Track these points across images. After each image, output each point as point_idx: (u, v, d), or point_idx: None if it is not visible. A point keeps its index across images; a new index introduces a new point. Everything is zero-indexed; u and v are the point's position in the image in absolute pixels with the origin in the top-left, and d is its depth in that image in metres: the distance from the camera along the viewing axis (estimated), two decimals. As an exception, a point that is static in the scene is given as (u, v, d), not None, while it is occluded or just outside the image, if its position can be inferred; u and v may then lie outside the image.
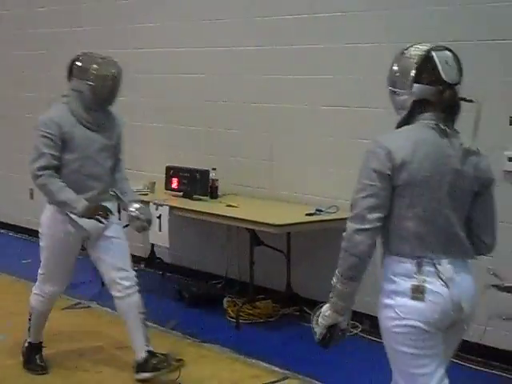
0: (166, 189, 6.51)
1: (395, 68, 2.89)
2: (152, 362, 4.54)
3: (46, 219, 4.65)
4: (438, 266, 2.76)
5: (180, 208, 6.10)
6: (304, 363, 5.04)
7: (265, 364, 4.95)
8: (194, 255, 7.07)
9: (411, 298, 2.74)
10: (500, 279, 3.19)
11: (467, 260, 2.88)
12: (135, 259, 7.42)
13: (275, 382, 4.68)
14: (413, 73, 2.81)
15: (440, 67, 2.79)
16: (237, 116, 6.56)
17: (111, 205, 4.68)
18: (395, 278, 2.78)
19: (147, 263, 7.38)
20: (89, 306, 6.23)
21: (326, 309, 2.84)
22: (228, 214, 5.76)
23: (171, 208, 6.05)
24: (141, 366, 4.57)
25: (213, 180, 6.33)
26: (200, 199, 6.28)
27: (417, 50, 2.84)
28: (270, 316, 5.96)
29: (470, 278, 2.86)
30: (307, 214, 5.66)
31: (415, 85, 2.80)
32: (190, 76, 6.83)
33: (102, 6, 7.86)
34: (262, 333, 5.68)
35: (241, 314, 5.81)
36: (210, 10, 6.78)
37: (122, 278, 4.58)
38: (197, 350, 5.20)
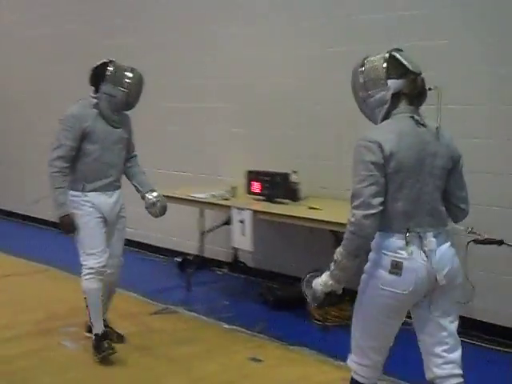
0: (248, 193, 6.54)
1: (360, 76, 3.31)
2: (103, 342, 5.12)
3: (77, 204, 5.13)
4: (423, 240, 3.18)
5: (262, 212, 6.11)
6: (392, 364, 4.97)
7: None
8: (277, 258, 7.09)
9: (389, 272, 3.16)
10: (478, 234, 3.52)
11: (445, 230, 3.28)
12: (219, 264, 7.56)
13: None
14: (384, 71, 3.23)
15: (405, 62, 3.23)
16: (319, 118, 6.55)
17: (121, 193, 5.42)
18: (381, 252, 3.20)
19: (231, 267, 7.44)
20: (176, 311, 6.30)
21: (326, 279, 3.25)
22: (311, 217, 5.75)
23: (254, 212, 6.08)
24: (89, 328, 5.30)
25: (294, 183, 6.34)
26: (282, 202, 6.29)
27: (377, 57, 3.29)
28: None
29: (449, 246, 3.26)
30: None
31: (389, 81, 3.23)
32: (268, 80, 6.87)
33: (177, 12, 7.97)
34: (349, 335, 5.64)
35: (327, 316, 5.80)
36: (293, 14, 6.81)
37: (113, 265, 5.30)
38: (284, 353, 5.22)
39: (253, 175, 6.54)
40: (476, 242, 3.59)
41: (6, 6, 10.73)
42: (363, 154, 3.15)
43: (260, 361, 4.98)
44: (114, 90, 5.14)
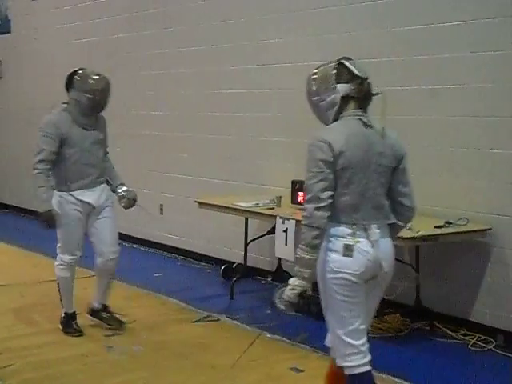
0: (292, 203, 6.53)
1: (313, 83, 3.62)
2: (102, 315, 5.96)
3: (55, 203, 5.60)
4: (368, 231, 3.47)
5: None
6: (436, 378, 4.97)
7: (395, 379, 4.89)
8: (321, 269, 7.07)
9: (342, 254, 3.43)
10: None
11: (388, 224, 3.58)
12: (262, 273, 7.57)
13: (407, 397, 4.63)
14: (333, 77, 3.54)
15: (352, 68, 3.54)
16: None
17: (105, 187, 5.84)
18: (332, 239, 3.47)
19: (274, 276, 7.43)
20: (218, 319, 6.32)
21: (293, 281, 3.43)
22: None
23: (297, 222, 6.07)
24: (94, 312, 5.99)
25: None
26: (326, 213, 6.27)
27: (328, 65, 3.61)
28: (399, 330, 5.89)
29: (389, 239, 3.58)
30: (436, 227, 5.58)
31: (338, 85, 3.53)
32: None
33: (224, 25, 8.02)
34: (391, 347, 5.62)
35: (369, 328, 5.76)
36: (336, 23, 6.82)
37: (111, 251, 5.78)
38: (325, 364, 5.11)
39: (298, 185, 6.54)
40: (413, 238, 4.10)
41: (60, 15, 10.90)
42: (314, 153, 3.46)
43: (301, 371, 4.98)
44: (80, 96, 5.60)
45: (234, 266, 7.67)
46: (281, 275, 7.28)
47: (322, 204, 3.41)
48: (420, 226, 5.60)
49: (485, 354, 5.55)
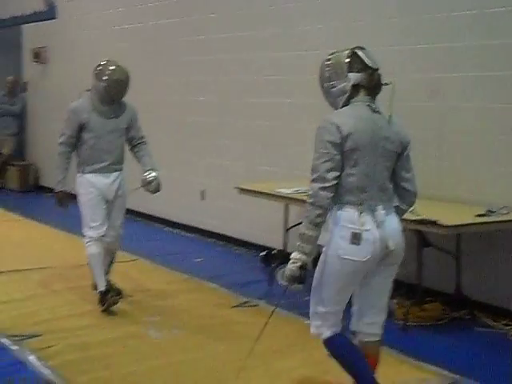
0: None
1: (326, 69, 3.76)
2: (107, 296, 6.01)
3: (78, 183, 6.07)
4: (374, 212, 3.61)
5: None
6: (475, 368, 4.94)
7: (434, 367, 4.87)
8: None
9: (350, 242, 3.56)
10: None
11: (392, 205, 3.73)
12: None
13: (446, 386, 4.61)
14: (346, 66, 3.68)
15: (365, 59, 3.68)
16: (403, 117, 6.47)
17: (120, 175, 6.13)
18: (340, 224, 3.61)
19: (314, 263, 7.38)
20: (257, 305, 6.35)
21: (295, 255, 3.61)
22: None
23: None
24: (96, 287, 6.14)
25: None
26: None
27: (342, 53, 3.74)
28: (438, 319, 5.86)
29: (396, 219, 3.73)
30: (478, 215, 5.53)
31: (349, 74, 3.67)
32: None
33: (265, 11, 8.01)
34: (430, 336, 5.60)
35: (409, 316, 5.76)
36: (368, 10, 6.78)
37: (110, 235, 6.11)
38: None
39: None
40: (414, 221, 4.21)
41: (104, 1, 10.99)
42: (323, 134, 3.63)
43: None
44: (98, 85, 5.98)
45: (273, 252, 7.69)
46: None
47: (327, 184, 3.57)
48: (460, 215, 5.59)
49: (525, 344, 5.51)
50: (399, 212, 3.82)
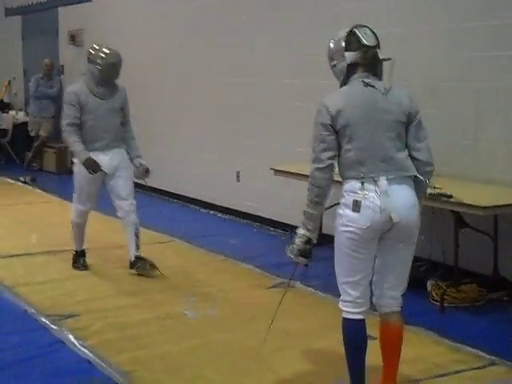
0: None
1: (331, 46, 3.89)
2: (137, 265, 6.55)
3: (76, 161, 6.47)
4: (377, 182, 3.64)
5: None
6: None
7: (471, 349, 4.85)
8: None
9: (352, 210, 3.66)
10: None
11: (405, 176, 3.72)
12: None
13: (481, 367, 4.58)
14: (343, 44, 3.80)
15: (361, 36, 3.77)
16: (440, 96, 6.43)
17: (120, 151, 6.54)
18: (345, 194, 3.72)
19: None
20: (293, 286, 6.35)
21: (300, 231, 3.81)
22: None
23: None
24: (131, 264, 6.59)
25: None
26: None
27: (343, 31, 3.84)
28: (475, 300, 5.82)
29: (406, 189, 3.71)
30: (515, 196, 5.49)
31: (346, 53, 3.78)
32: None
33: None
34: (467, 317, 5.57)
35: (445, 297, 5.73)
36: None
37: (126, 204, 6.53)
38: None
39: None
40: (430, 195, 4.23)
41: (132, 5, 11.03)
42: (316, 117, 3.75)
43: (375, 338, 4.96)
44: (92, 68, 6.38)
45: (309, 233, 7.67)
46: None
47: (322, 165, 3.71)
48: (498, 196, 5.54)
49: None
50: (418, 183, 3.80)
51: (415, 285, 5.96)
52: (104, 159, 6.39)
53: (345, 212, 3.72)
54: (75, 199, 6.64)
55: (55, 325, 5.29)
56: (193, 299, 5.91)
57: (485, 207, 5.25)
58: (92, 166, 6.28)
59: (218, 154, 9.48)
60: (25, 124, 13.35)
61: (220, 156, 9.44)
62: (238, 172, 9.13)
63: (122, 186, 6.53)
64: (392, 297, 3.90)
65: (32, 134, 12.60)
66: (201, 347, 4.94)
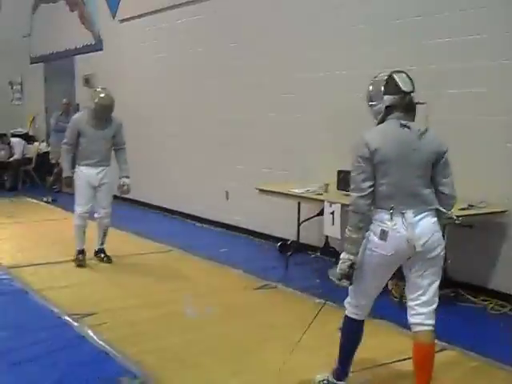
0: (338, 189, 6.52)
1: (371, 88, 3.71)
2: (100, 255, 7.27)
3: (75, 173, 7.04)
4: (404, 215, 3.50)
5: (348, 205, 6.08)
6: (459, 337, 4.94)
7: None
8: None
9: (379, 238, 3.53)
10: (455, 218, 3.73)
11: (429, 209, 3.57)
12: (313, 248, 7.57)
13: (435, 352, 4.60)
14: (382, 88, 3.63)
15: (399, 83, 3.61)
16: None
17: (106, 169, 7.03)
18: (374, 222, 3.57)
19: (322, 251, 7.45)
20: (275, 287, 6.36)
21: (344, 255, 3.58)
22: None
23: (342, 205, 6.07)
24: (95, 252, 7.32)
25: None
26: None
27: (382, 75, 3.67)
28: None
29: (430, 221, 3.56)
30: (460, 209, 5.52)
31: (385, 96, 3.62)
32: (351, 94, 6.87)
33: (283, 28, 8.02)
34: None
35: (403, 294, 5.73)
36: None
37: (104, 212, 7.09)
38: (366, 324, 5.02)
39: (342, 174, 6.51)
40: (451, 224, 4.00)
41: (145, 36, 11.03)
42: (356, 150, 3.58)
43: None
44: (91, 105, 6.89)
45: (288, 242, 7.70)
46: (328, 250, 7.30)
47: (364, 193, 3.52)
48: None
49: (501, 317, 5.51)
50: (440, 214, 3.64)
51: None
52: (93, 173, 6.97)
53: (373, 238, 3.58)
54: (76, 204, 7.08)
55: (76, 322, 5.26)
56: (191, 299, 5.89)
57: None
58: (67, 183, 7.09)
59: (210, 176, 9.49)
60: (46, 153, 13.37)
61: (212, 178, 9.44)
62: (227, 191, 9.14)
63: (104, 197, 7.05)
64: (423, 313, 3.70)
65: (53, 161, 12.63)
66: (199, 340, 4.93)
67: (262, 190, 7.25)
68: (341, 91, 7.08)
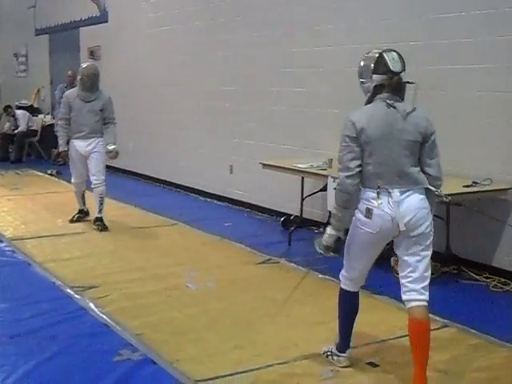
0: (342, 165, 6.48)
1: (362, 64, 3.71)
2: (97, 223, 7.47)
3: (69, 145, 7.41)
4: (391, 193, 3.54)
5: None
6: (462, 314, 4.92)
7: (427, 314, 4.85)
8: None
9: (364, 216, 3.59)
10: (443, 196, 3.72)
11: (417, 188, 3.58)
12: (315, 223, 7.55)
13: (436, 329, 4.57)
14: (372, 67, 3.63)
15: (388, 62, 3.60)
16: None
17: (95, 140, 7.35)
18: (361, 201, 3.63)
19: (325, 226, 7.33)
20: (278, 262, 6.35)
21: (330, 230, 3.70)
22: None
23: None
24: (94, 221, 7.52)
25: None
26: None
27: (374, 53, 3.67)
28: (431, 273, 5.81)
29: (417, 198, 3.57)
30: (464, 186, 5.49)
31: (374, 75, 3.63)
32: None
33: (285, 10, 7.93)
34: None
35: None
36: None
37: (94, 179, 7.40)
38: (369, 300, 5.16)
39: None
40: (440, 202, 4.03)
41: (149, 8, 10.94)
42: (343, 130, 3.62)
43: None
44: (79, 77, 7.35)
45: (291, 217, 7.67)
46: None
47: (351, 173, 3.56)
48: (450, 186, 5.52)
49: (503, 294, 5.48)
50: (429, 194, 3.65)
51: (380, 261, 5.98)
52: (82, 145, 7.33)
53: (359, 216, 3.64)
54: (72, 175, 7.61)
55: (78, 295, 5.27)
56: (194, 274, 5.88)
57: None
58: (63, 157, 7.63)
59: (214, 150, 9.44)
60: (51, 125, 13.26)
61: (216, 152, 9.40)
62: (231, 166, 9.10)
63: (94, 164, 7.36)
64: (414, 289, 3.67)
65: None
66: (201, 314, 4.92)
67: (265, 165, 7.21)
68: (346, 65, 6.99)
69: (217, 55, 9.21)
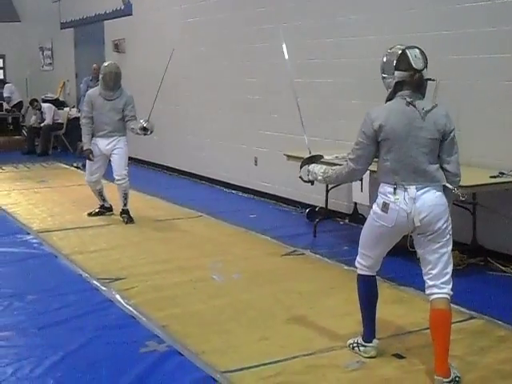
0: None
1: (384, 59, 3.73)
2: (122, 215, 7.56)
3: (92, 143, 7.42)
4: (407, 190, 3.60)
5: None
6: (488, 306, 4.88)
7: (453, 305, 4.74)
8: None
9: (381, 209, 3.68)
10: (459, 195, 3.71)
11: (434, 185, 3.63)
12: (341, 215, 7.53)
13: (462, 320, 4.56)
14: (394, 63, 3.64)
15: (411, 59, 3.61)
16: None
17: (117, 139, 7.40)
18: (379, 195, 3.72)
19: (351, 218, 7.39)
20: (303, 254, 6.35)
21: (318, 174, 4.01)
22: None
23: (371, 172, 5.98)
24: (120, 213, 7.58)
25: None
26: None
27: (396, 49, 3.67)
28: (457, 264, 5.73)
29: (434, 195, 3.62)
30: (491, 177, 5.43)
31: (396, 71, 3.64)
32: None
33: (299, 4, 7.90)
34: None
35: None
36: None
37: (117, 175, 7.46)
38: (394, 292, 5.18)
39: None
40: (454, 202, 4.06)
41: (173, 1, 10.96)
42: (362, 125, 3.70)
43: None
44: (100, 76, 7.41)
45: (316, 209, 7.66)
46: (356, 217, 7.24)
47: (359, 167, 3.73)
48: (477, 176, 5.49)
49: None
50: (446, 190, 3.68)
51: (407, 253, 5.96)
52: (104, 143, 7.38)
53: (375, 209, 3.73)
54: (87, 174, 7.66)
55: (105, 286, 5.32)
56: (219, 265, 5.90)
57: (465, 186, 5.18)
58: (87, 155, 7.43)
59: (238, 142, 9.45)
60: (77, 119, 13.24)
61: (240, 144, 9.40)
62: (256, 157, 9.10)
63: (117, 162, 7.42)
64: (435, 285, 3.74)
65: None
66: (226, 306, 4.94)
67: (290, 156, 7.19)
68: (371, 56, 6.94)
69: (241, 47, 9.20)
